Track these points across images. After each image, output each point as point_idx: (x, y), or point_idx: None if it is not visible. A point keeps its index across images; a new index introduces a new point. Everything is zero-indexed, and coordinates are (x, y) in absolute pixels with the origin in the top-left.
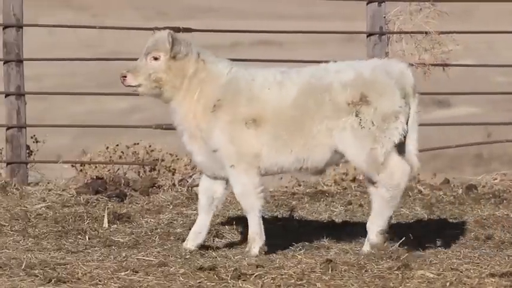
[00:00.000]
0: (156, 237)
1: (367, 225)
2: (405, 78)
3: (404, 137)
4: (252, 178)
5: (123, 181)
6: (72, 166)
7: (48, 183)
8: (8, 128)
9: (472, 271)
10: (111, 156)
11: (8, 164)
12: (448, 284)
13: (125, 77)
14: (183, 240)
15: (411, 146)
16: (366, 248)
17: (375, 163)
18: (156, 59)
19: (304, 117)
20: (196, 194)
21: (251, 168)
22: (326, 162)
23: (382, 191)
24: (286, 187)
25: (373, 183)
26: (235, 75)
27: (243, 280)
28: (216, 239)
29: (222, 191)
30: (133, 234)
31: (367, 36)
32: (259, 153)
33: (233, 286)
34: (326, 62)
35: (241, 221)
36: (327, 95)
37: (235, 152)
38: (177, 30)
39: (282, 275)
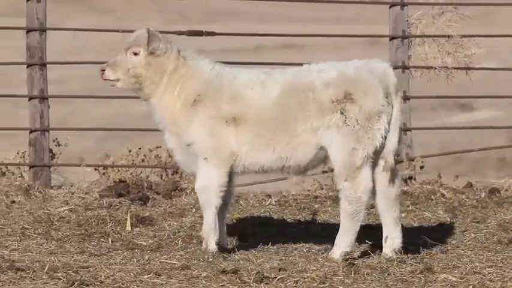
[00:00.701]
0: (178, 241)
1: (336, 240)
2: (388, 77)
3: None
4: (221, 175)
5: (145, 184)
6: (95, 169)
7: (71, 186)
8: (31, 131)
9: (494, 275)
10: (133, 160)
11: (31, 167)
12: (470, 287)
13: (104, 70)
14: None
15: (390, 144)
16: (387, 251)
17: (351, 166)
18: (136, 54)
19: (287, 116)
20: None
21: (223, 165)
22: (309, 160)
23: (344, 205)
24: (309, 190)
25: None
26: (219, 73)
27: (266, 283)
28: (239, 242)
29: (228, 189)
30: (156, 237)
31: (390, 40)
32: (236, 152)
33: None
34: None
35: (265, 224)
36: (310, 93)
37: (213, 146)
38: (200, 33)
39: (304, 278)
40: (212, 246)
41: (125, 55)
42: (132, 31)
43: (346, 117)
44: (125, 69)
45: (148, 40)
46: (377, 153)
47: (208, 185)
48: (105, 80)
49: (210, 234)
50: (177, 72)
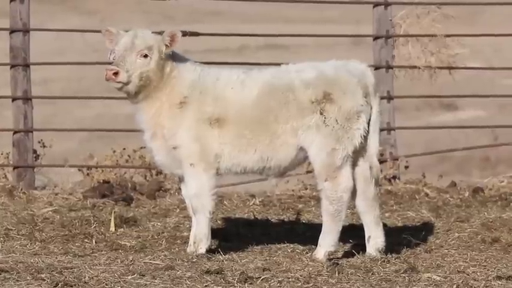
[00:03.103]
0: (162, 241)
1: (319, 240)
2: (366, 77)
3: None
4: (210, 179)
5: (129, 185)
6: (79, 170)
7: (55, 187)
8: (15, 132)
9: (478, 274)
10: (117, 160)
11: (14, 168)
12: (454, 286)
13: (117, 72)
14: None
15: (372, 146)
16: (371, 250)
17: (331, 166)
18: (145, 56)
19: (267, 116)
20: None
21: (210, 168)
22: (290, 161)
23: (326, 205)
24: (293, 190)
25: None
26: (201, 74)
27: (250, 283)
28: (223, 243)
29: None
30: (140, 237)
31: (374, 40)
32: (220, 153)
33: None
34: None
35: (249, 224)
36: (290, 94)
37: (198, 151)
38: (184, 34)
39: (288, 278)
40: (202, 251)
41: (133, 57)
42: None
43: (325, 118)
44: (137, 72)
45: (173, 43)
46: (356, 153)
47: (200, 191)
48: (117, 82)
49: (203, 240)
50: (170, 75)
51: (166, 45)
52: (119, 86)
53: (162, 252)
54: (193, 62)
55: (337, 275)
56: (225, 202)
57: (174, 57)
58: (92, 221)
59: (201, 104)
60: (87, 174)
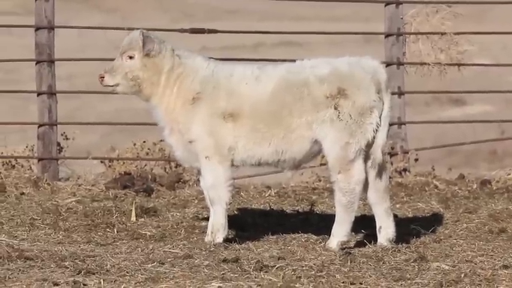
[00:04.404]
0: (181, 231)
1: (332, 230)
2: (379, 74)
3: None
4: (225, 170)
5: (150, 176)
6: (101, 162)
7: (78, 178)
8: (40, 126)
9: (486, 263)
10: (138, 153)
11: (39, 160)
12: (462, 275)
13: (103, 77)
14: None
15: (379, 138)
16: (382, 240)
17: (345, 159)
18: (131, 57)
19: (282, 111)
20: None
21: (225, 160)
22: (304, 154)
23: (339, 196)
24: (307, 182)
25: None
26: (215, 70)
27: (265, 272)
28: (239, 232)
29: None
30: (159, 227)
31: (385, 37)
32: (234, 146)
33: (255, 277)
34: None
35: (265, 215)
36: (305, 89)
37: (212, 144)
38: (202, 31)
39: (302, 266)
40: (219, 241)
41: (121, 59)
42: (137, 29)
43: (339, 112)
44: (122, 73)
45: (142, 42)
46: (369, 147)
47: (216, 182)
48: (105, 86)
49: (220, 230)
50: (174, 71)
51: (142, 45)
52: (109, 89)
53: (181, 241)
54: (206, 58)
55: (349, 263)
56: (241, 193)
57: (180, 55)
58: (114, 211)
59: (215, 99)
60: (109, 166)
